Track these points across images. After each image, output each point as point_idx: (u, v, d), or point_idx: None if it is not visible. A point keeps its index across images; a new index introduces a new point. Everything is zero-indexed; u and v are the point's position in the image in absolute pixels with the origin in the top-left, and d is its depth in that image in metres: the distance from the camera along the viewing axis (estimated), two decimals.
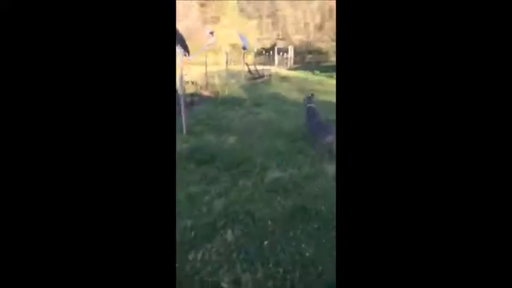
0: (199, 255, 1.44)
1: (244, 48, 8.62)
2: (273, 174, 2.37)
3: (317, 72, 11.85)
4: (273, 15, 29.39)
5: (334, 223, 1.67)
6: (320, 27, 28.98)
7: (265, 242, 1.53)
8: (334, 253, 1.45)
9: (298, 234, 1.58)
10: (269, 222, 1.71)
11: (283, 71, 12.90)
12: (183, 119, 3.53)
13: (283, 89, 7.53)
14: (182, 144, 3.06)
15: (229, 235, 1.60)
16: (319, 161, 2.61)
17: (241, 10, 28.04)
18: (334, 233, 1.59)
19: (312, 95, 3.74)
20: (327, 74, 11.30)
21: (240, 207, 1.86)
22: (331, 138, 2.70)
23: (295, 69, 14.67)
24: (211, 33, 7.07)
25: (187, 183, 2.19)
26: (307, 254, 1.44)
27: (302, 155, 2.73)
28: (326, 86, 8.23)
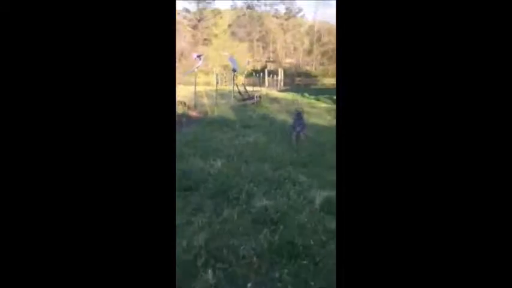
0: None
1: (234, 70, 8.77)
2: (260, 202, 2.27)
3: (306, 94, 12.13)
4: (263, 38, 30.55)
5: (322, 257, 1.57)
6: (309, 52, 30.24)
7: (249, 285, 1.40)
8: None
9: (285, 275, 1.46)
10: (254, 259, 1.59)
11: (273, 93, 13.14)
12: None
13: (272, 111, 7.59)
14: None
15: (209, 275, 1.46)
16: (307, 189, 2.53)
17: (233, 33, 29.04)
18: (323, 271, 1.48)
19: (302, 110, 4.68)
20: (316, 96, 11.58)
21: (224, 242, 1.73)
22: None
23: (285, 91, 15.00)
24: (199, 56, 7.19)
25: None
26: None
27: (290, 183, 2.66)
28: (316, 108, 8.38)
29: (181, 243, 1.73)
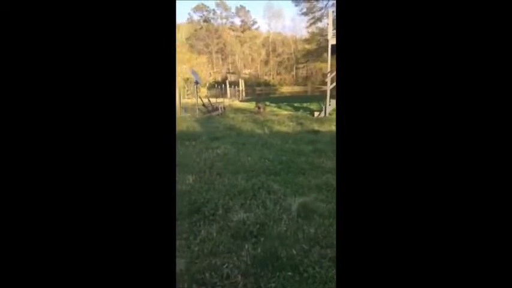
0: None
1: (196, 82, 8.63)
2: (238, 215, 2.21)
3: (267, 103, 12.43)
4: (222, 51, 30.84)
5: (306, 267, 1.57)
6: (266, 62, 31.30)
7: None
8: None
9: None
10: (239, 277, 1.52)
11: (236, 103, 13.21)
12: None
13: (238, 121, 7.59)
14: None
15: None
16: (282, 197, 2.55)
17: (191, 46, 28.77)
18: (309, 281, 1.48)
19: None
20: (277, 104, 11.93)
21: (205, 264, 1.64)
22: None
23: (246, 101, 15.19)
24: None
25: None
26: None
27: (264, 192, 2.65)
28: (278, 115, 8.60)
29: None
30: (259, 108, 5.84)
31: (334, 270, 1.54)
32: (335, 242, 1.84)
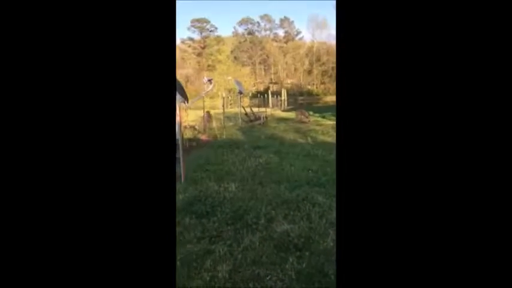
0: None
1: (240, 92, 8.92)
2: (281, 226, 2.16)
3: (311, 112, 12.20)
4: (265, 62, 31.54)
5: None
6: (309, 72, 30.98)
7: None
8: None
9: None
10: None
11: (278, 113, 13.27)
12: (181, 165, 3.39)
13: (280, 130, 7.58)
14: (179, 194, 2.87)
15: None
16: (328, 210, 2.42)
17: (235, 58, 30.09)
18: None
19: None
20: (321, 114, 11.62)
21: (249, 273, 1.62)
22: None
23: (289, 110, 15.14)
24: (210, 80, 7.36)
25: (184, 241, 1.95)
26: None
27: (308, 204, 2.55)
28: (322, 125, 8.37)
29: (203, 275, 1.62)
30: (302, 114, 5.82)
31: None
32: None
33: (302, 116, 8.29)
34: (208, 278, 1.60)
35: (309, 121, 8.06)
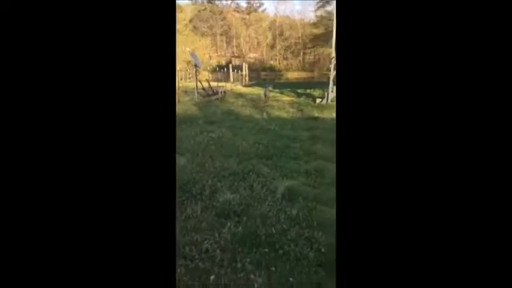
0: None
1: (196, 66, 8.53)
2: (224, 196, 2.27)
3: (271, 88, 12.29)
4: (226, 33, 30.15)
5: (282, 245, 1.63)
6: (272, 46, 30.58)
7: (212, 277, 1.41)
8: (284, 281, 1.40)
9: (247, 265, 1.49)
10: (217, 252, 1.60)
11: (239, 88, 13.09)
12: None
13: (237, 106, 7.57)
14: None
15: None
16: (270, 180, 2.60)
17: (194, 28, 28.15)
18: (283, 258, 1.54)
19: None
20: (280, 90, 11.80)
21: (187, 239, 1.71)
22: None
23: (250, 86, 15.02)
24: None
25: None
26: (256, 286, 1.36)
27: (254, 175, 2.70)
28: (279, 101, 8.54)
29: None
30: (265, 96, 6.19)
31: (309, 249, 1.60)
32: (314, 223, 1.89)
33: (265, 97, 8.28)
34: None
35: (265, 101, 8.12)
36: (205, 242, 1.68)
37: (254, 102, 8.25)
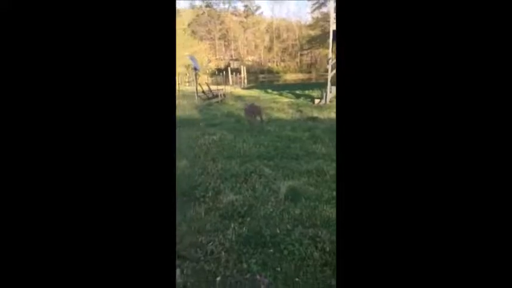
0: None
1: (195, 69, 8.57)
2: (227, 198, 2.28)
3: (269, 90, 12.33)
4: (224, 37, 30.29)
5: (287, 245, 1.63)
6: (269, 49, 30.72)
7: (218, 279, 1.41)
8: (290, 282, 1.40)
9: (252, 265, 1.50)
10: (222, 253, 1.60)
11: (238, 91, 13.13)
12: None
13: (237, 108, 7.58)
14: None
15: (177, 275, 1.44)
16: (273, 181, 2.60)
17: (193, 32, 28.28)
18: (288, 258, 1.55)
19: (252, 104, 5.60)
20: (279, 92, 11.83)
21: (191, 241, 1.71)
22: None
23: (249, 88, 15.07)
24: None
25: None
26: (263, 287, 1.36)
27: (256, 176, 2.70)
28: (278, 102, 8.56)
29: None
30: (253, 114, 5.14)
31: (313, 248, 1.60)
32: (318, 222, 1.90)
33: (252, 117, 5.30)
34: None
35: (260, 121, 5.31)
36: (210, 244, 1.68)
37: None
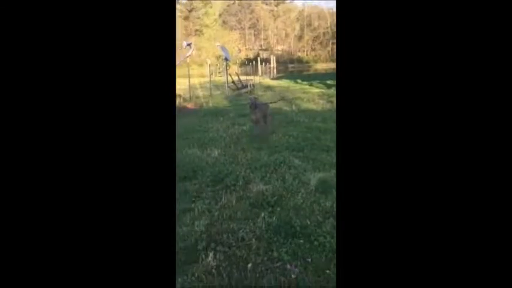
0: (177, 283, 1.35)
1: (226, 59, 8.65)
2: (257, 187, 2.31)
3: (299, 80, 12.06)
4: (254, 26, 30.02)
5: (318, 236, 1.62)
6: (300, 37, 29.87)
7: (249, 265, 1.45)
8: (320, 273, 1.39)
9: (283, 254, 1.51)
10: (253, 240, 1.64)
11: (267, 81, 13.04)
12: None
13: (266, 98, 7.55)
14: None
15: (210, 258, 1.51)
16: (302, 172, 2.58)
17: (224, 22, 28.45)
18: (319, 249, 1.54)
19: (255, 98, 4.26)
20: (309, 82, 11.52)
21: (223, 227, 1.78)
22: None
23: (278, 78, 14.87)
24: (189, 44, 7.03)
25: None
26: (293, 276, 1.37)
27: (285, 167, 2.70)
28: (308, 93, 8.36)
29: (181, 229, 1.77)
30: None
31: None
32: None
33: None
34: (186, 230, 1.75)
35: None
36: (241, 231, 1.73)
37: (282, 94, 8.17)
